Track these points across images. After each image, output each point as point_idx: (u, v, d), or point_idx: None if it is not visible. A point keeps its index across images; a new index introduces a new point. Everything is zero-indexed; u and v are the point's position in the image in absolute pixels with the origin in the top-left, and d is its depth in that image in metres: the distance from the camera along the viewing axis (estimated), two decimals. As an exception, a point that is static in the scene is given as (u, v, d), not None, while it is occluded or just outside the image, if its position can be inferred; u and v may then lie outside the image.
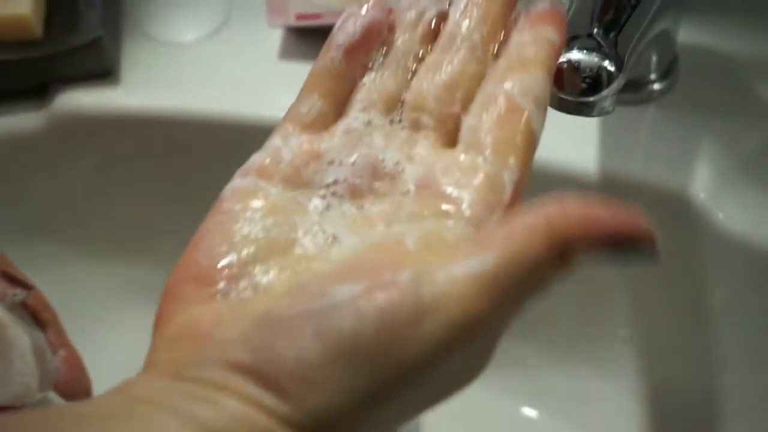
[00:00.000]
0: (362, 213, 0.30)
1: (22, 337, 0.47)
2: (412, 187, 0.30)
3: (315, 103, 0.33)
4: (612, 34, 0.44)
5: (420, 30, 0.34)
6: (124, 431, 0.24)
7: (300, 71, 0.59)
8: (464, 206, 0.29)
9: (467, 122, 0.31)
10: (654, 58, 0.53)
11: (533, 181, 0.52)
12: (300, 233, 0.30)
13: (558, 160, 0.52)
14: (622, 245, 0.28)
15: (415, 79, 0.33)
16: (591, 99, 0.41)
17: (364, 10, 0.34)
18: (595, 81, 0.41)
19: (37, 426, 0.24)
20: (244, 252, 0.29)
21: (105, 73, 0.58)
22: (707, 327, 0.52)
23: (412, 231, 0.29)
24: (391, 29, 0.34)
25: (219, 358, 0.26)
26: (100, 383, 0.58)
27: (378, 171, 0.31)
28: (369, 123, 0.32)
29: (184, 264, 0.30)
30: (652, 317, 0.55)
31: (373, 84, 0.33)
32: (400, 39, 0.34)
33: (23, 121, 0.59)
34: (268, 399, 0.25)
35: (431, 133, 0.32)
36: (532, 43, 0.32)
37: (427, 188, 0.30)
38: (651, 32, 0.47)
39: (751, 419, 0.50)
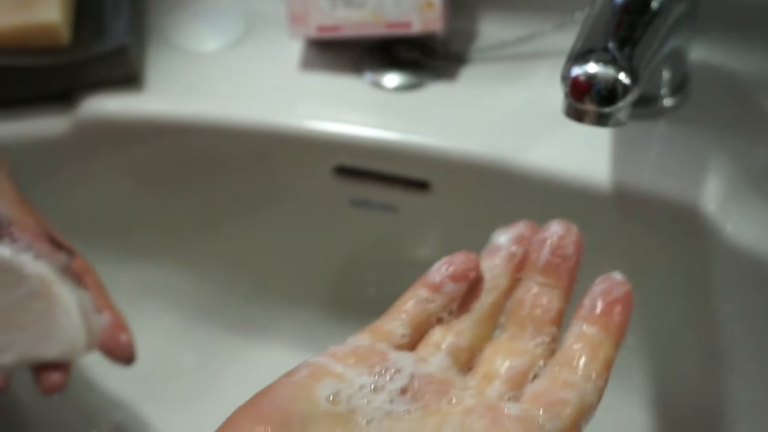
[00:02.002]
0: (424, 414, 0.32)
1: (68, 294, 0.48)
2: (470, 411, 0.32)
3: (396, 325, 0.35)
4: (626, 49, 0.45)
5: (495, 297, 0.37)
6: None
7: (320, 82, 0.61)
8: None
9: (530, 388, 0.34)
10: (666, 75, 0.55)
11: (546, 192, 0.54)
12: (359, 412, 0.31)
13: (570, 173, 0.54)
14: None
15: (488, 350, 0.35)
16: (606, 110, 0.42)
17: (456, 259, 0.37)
18: (611, 93, 0.42)
19: None
20: (306, 410, 0.31)
21: (129, 80, 0.60)
22: (715, 338, 0.53)
23: None
24: (479, 281, 0.36)
25: None
26: (116, 378, 0.59)
27: (446, 388, 0.33)
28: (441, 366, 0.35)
29: (248, 405, 0.31)
30: (660, 327, 0.56)
31: (449, 332, 0.36)
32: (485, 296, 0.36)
33: (48, 126, 0.60)
34: None
35: (499, 384, 0.34)
36: (592, 344, 0.34)
37: (486, 417, 0.31)
38: (664, 48, 0.49)
39: (758, 430, 0.51)
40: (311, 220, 0.62)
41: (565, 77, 0.44)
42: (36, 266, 0.47)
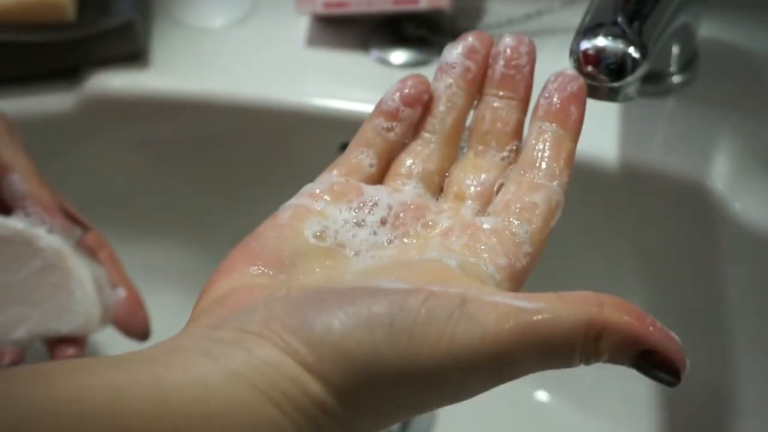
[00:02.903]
0: (406, 241, 0.33)
1: (82, 268, 0.47)
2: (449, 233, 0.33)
3: (363, 158, 0.36)
4: (636, 23, 0.45)
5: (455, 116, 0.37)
6: (160, 374, 0.26)
7: (326, 59, 0.61)
8: (495, 252, 0.32)
9: (500, 197, 0.34)
10: (675, 51, 0.54)
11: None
12: (347, 246, 0.33)
13: (579, 150, 0.53)
14: (656, 365, 0.29)
15: (456, 170, 0.36)
16: (616, 85, 0.42)
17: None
18: (620, 67, 0.42)
19: (84, 367, 0.26)
20: (295, 247, 0.32)
21: (135, 56, 0.60)
22: (723, 316, 0.53)
23: (452, 258, 0.31)
24: (431, 97, 0.36)
25: (259, 314, 0.28)
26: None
27: (422, 213, 0.34)
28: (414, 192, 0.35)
29: (238, 249, 0.33)
30: (668, 304, 0.56)
31: (417, 158, 0.36)
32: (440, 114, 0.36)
33: (54, 102, 0.60)
34: (300, 348, 0.27)
35: (471, 203, 0.35)
36: (552, 141, 0.34)
37: (463, 235, 0.32)
38: (673, 24, 0.48)
39: (766, 412, 0.51)
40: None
41: (574, 51, 0.43)
42: (51, 239, 0.47)
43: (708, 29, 0.56)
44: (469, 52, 0.36)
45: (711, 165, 0.51)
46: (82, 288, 0.47)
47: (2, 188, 0.48)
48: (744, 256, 0.51)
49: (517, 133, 0.36)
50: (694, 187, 0.51)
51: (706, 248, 0.53)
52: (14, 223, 0.47)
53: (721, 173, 0.51)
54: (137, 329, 0.49)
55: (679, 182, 0.52)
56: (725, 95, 0.55)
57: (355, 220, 0.33)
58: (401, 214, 0.34)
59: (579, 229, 0.55)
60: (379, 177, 0.36)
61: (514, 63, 0.36)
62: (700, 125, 0.53)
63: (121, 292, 0.49)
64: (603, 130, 0.53)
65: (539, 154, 0.34)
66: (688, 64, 0.55)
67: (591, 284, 0.54)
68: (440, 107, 0.36)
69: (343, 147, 0.58)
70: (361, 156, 0.36)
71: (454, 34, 0.59)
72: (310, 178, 0.62)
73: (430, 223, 0.34)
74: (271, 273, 0.31)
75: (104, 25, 0.58)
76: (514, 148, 0.36)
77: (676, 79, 0.55)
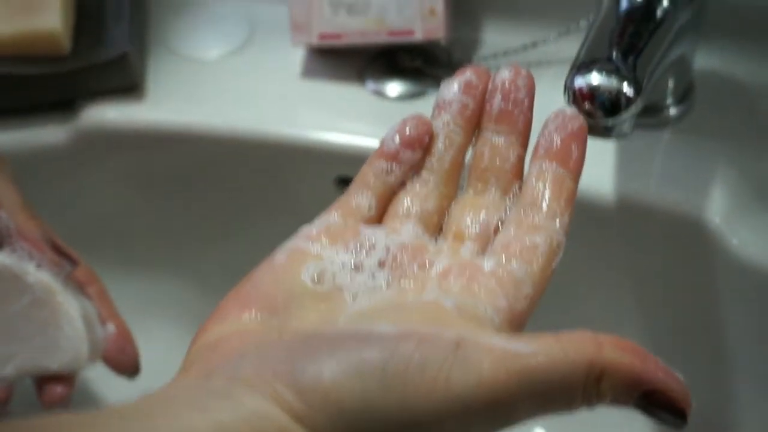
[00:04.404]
0: (404, 282, 0.33)
1: (72, 303, 0.47)
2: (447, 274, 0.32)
3: (362, 200, 0.35)
4: (630, 58, 0.45)
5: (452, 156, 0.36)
6: (148, 428, 0.26)
7: (322, 90, 0.61)
8: (494, 294, 0.31)
9: (500, 238, 0.33)
10: (670, 83, 0.54)
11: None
12: (344, 289, 0.32)
13: (574, 182, 0.53)
14: (660, 406, 0.28)
15: (455, 209, 0.35)
16: (610, 122, 0.42)
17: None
18: (614, 104, 0.42)
19: (82, 425, 0.26)
20: (290, 291, 0.32)
21: (130, 87, 0.59)
22: (721, 351, 0.53)
23: (450, 299, 0.31)
24: (431, 138, 0.36)
25: (250, 361, 0.28)
26: (119, 392, 0.59)
27: (420, 254, 0.33)
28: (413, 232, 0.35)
29: (231, 293, 0.32)
30: (665, 340, 0.55)
31: (415, 198, 0.35)
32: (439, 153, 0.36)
33: (49, 134, 0.60)
34: (289, 397, 0.27)
35: (470, 243, 0.34)
36: (553, 181, 0.34)
37: (462, 276, 0.32)
38: (668, 57, 0.48)
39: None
40: (313, 230, 0.62)
41: (569, 87, 0.43)
42: (39, 275, 0.47)
43: (703, 61, 0.56)
44: (466, 88, 0.36)
45: (708, 199, 0.51)
46: (71, 324, 0.47)
47: None
48: (743, 291, 0.51)
49: (518, 169, 0.36)
50: (692, 221, 0.51)
51: (705, 283, 0.52)
52: (2, 258, 0.47)
53: (719, 207, 0.51)
54: (127, 365, 0.49)
55: (676, 216, 0.51)
56: (722, 127, 0.55)
57: (352, 263, 0.33)
58: (399, 256, 0.33)
59: (575, 265, 0.54)
60: (379, 218, 0.35)
61: (512, 97, 0.35)
62: (696, 158, 0.53)
63: (111, 328, 0.49)
64: (599, 162, 0.53)
65: (540, 193, 0.34)
66: (684, 96, 0.55)
67: (588, 321, 0.53)
68: (438, 145, 0.36)
69: (339, 180, 0.59)
70: (360, 198, 0.35)
71: (450, 66, 0.60)
72: (306, 210, 0.62)
73: (427, 264, 0.33)
74: (264, 317, 0.31)
75: (99, 57, 0.58)
76: (514, 185, 0.35)
77: (672, 111, 0.55)
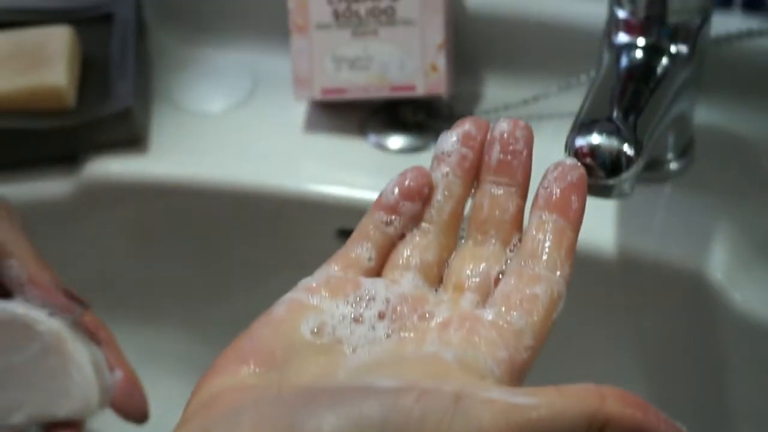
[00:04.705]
0: (404, 334, 0.32)
1: (81, 351, 0.47)
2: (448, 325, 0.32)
3: (362, 252, 0.35)
4: (631, 117, 0.45)
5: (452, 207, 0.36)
6: None
7: (324, 143, 0.61)
8: (495, 345, 0.31)
9: (500, 288, 0.33)
10: (671, 138, 0.54)
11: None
12: (344, 342, 0.32)
13: (576, 237, 0.53)
14: None
15: (455, 260, 0.35)
16: (610, 182, 0.42)
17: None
18: (615, 165, 0.42)
19: None
20: (289, 344, 0.32)
21: (134, 141, 0.60)
22: (724, 406, 0.52)
23: (450, 351, 0.31)
24: (431, 189, 0.36)
25: (249, 416, 0.28)
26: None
27: (420, 305, 0.33)
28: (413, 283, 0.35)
29: (230, 347, 0.32)
30: (669, 395, 0.55)
31: (415, 249, 0.36)
32: (438, 205, 0.36)
33: (52, 188, 0.60)
34: None
35: (470, 294, 0.34)
36: (553, 232, 0.34)
37: (462, 328, 0.32)
38: (669, 115, 0.48)
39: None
40: (315, 283, 0.62)
41: (569, 147, 0.44)
42: (50, 323, 0.47)
43: (703, 115, 0.56)
44: (465, 139, 0.36)
45: (710, 254, 0.51)
46: (80, 371, 0.47)
47: (1, 273, 0.48)
48: (746, 347, 0.50)
49: (517, 220, 0.36)
50: (694, 276, 0.51)
51: (707, 338, 0.52)
52: (13, 306, 0.47)
53: (720, 262, 0.51)
54: (135, 412, 0.49)
55: (678, 272, 0.51)
56: (722, 181, 0.55)
57: (352, 315, 0.33)
58: (399, 307, 0.33)
59: (577, 319, 0.54)
60: (378, 270, 0.35)
61: (510, 148, 0.35)
62: (697, 213, 0.53)
63: (119, 374, 0.49)
64: (599, 216, 0.53)
65: (540, 244, 0.34)
66: (684, 150, 0.55)
67: (590, 374, 0.53)
68: (438, 196, 0.36)
69: (341, 232, 0.59)
70: (360, 250, 0.35)
71: (451, 119, 0.60)
72: (307, 262, 0.62)
73: (427, 315, 0.33)
74: (263, 372, 0.31)
75: (103, 111, 0.58)
76: (514, 236, 0.35)
77: (672, 165, 0.55)
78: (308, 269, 0.65)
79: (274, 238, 0.61)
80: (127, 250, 0.62)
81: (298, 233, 0.60)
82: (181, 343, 0.64)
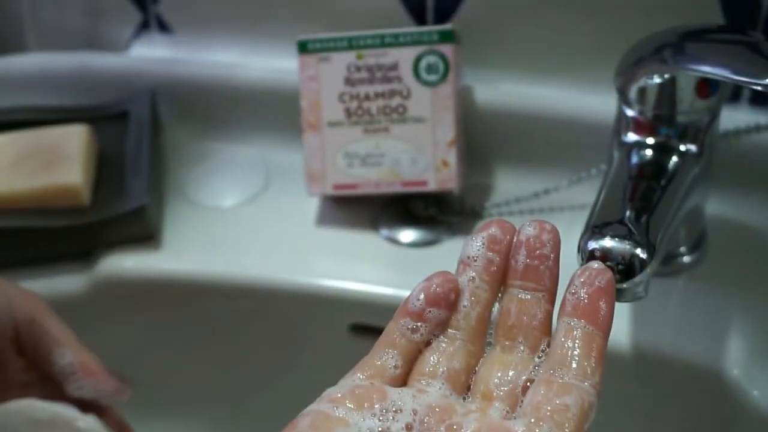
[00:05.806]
0: None
1: None
2: None
3: (388, 359, 0.35)
4: (643, 218, 0.45)
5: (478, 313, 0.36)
6: None
7: (336, 238, 0.62)
8: None
9: (529, 398, 0.33)
10: (683, 232, 0.54)
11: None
12: None
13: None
14: None
15: (482, 368, 0.35)
16: (624, 286, 0.42)
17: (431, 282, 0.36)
18: (628, 268, 0.42)
19: None
20: None
21: (147, 238, 0.60)
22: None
23: None
24: (458, 295, 0.36)
25: None
26: None
27: (448, 416, 0.33)
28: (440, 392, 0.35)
29: None
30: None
31: (442, 356, 0.35)
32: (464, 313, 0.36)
33: (67, 284, 0.60)
34: None
35: (499, 404, 0.34)
36: (582, 339, 0.34)
37: None
38: (680, 213, 0.49)
39: None
40: (329, 378, 0.61)
41: (582, 249, 0.44)
42: (87, 420, 0.48)
43: (715, 207, 0.57)
44: (491, 243, 0.36)
45: (726, 349, 0.51)
46: None
47: (50, 362, 0.49)
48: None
49: (545, 326, 0.35)
50: (710, 372, 0.50)
51: (725, 434, 0.52)
52: (53, 406, 0.48)
53: (737, 358, 0.50)
54: None
55: (694, 368, 0.51)
56: (736, 274, 0.55)
57: (379, 429, 0.32)
58: (426, 419, 0.33)
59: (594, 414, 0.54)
60: (404, 378, 0.35)
61: (537, 253, 0.35)
62: (711, 306, 0.53)
63: None
64: (615, 311, 0.53)
65: (569, 352, 0.33)
66: (697, 243, 0.55)
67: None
68: (464, 302, 0.36)
69: (354, 327, 0.59)
70: (385, 357, 0.35)
71: (463, 213, 0.61)
72: (320, 357, 0.62)
73: (455, 427, 0.33)
74: None
75: (118, 209, 0.59)
76: (542, 342, 0.35)
77: (685, 259, 0.55)
78: (320, 363, 0.65)
79: (288, 334, 0.60)
80: (142, 346, 0.62)
81: (311, 328, 0.60)
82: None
